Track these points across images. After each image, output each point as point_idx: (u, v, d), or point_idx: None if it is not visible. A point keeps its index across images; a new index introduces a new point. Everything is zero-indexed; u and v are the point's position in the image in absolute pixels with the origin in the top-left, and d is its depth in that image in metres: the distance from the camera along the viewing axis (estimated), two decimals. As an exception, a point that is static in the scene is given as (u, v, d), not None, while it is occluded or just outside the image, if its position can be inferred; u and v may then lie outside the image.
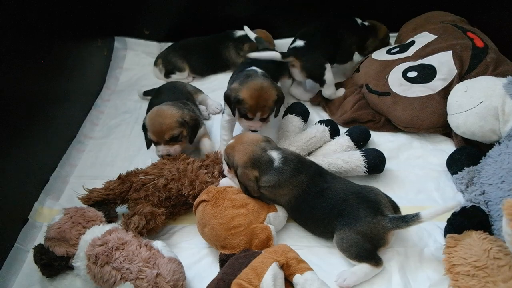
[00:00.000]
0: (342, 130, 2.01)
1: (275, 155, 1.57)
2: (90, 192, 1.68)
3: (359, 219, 1.44)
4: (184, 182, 1.67)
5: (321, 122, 1.97)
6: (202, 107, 2.29)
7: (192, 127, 1.84)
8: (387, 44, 2.42)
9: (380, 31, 2.39)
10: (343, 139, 1.88)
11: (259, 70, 1.92)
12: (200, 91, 2.35)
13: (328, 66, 2.13)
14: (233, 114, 1.85)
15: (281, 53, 2.11)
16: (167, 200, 1.67)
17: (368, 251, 1.44)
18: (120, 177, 1.71)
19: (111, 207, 1.69)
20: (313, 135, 1.89)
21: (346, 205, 1.48)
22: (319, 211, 1.53)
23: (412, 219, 1.41)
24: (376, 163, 1.76)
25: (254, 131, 1.82)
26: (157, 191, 1.64)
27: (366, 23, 2.36)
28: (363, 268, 1.44)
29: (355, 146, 1.87)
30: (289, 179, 1.55)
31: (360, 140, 1.89)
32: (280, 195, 1.59)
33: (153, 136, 1.79)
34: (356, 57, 2.45)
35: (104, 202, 1.66)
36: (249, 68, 1.92)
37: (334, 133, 1.95)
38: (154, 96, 2.15)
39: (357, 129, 1.92)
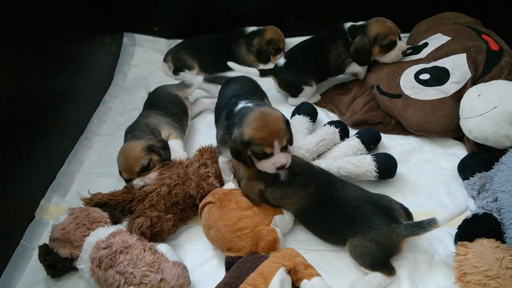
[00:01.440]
0: (352, 131, 1.98)
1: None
2: (93, 195, 1.69)
3: (373, 227, 1.42)
4: (190, 185, 1.65)
5: (330, 123, 1.93)
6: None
7: (162, 147, 1.79)
8: (386, 45, 2.08)
9: (370, 28, 2.05)
10: (353, 141, 1.85)
11: (245, 102, 1.61)
12: (187, 86, 2.25)
13: (308, 83, 2.18)
14: (250, 165, 1.54)
15: (260, 70, 2.19)
16: (174, 206, 1.65)
17: (381, 259, 1.42)
18: (126, 186, 1.72)
19: (115, 208, 1.69)
20: (323, 137, 1.85)
21: (359, 212, 1.45)
22: (330, 220, 1.50)
23: (428, 224, 1.38)
24: (387, 168, 1.72)
25: (282, 167, 1.49)
26: (162, 199, 1.63)
27: (358, 24, 2.12)
28: (377, 277, 1.41)
29: (365, 149, 1.84)
30: (296, 191, 1.53)
31: (370, 142, 1.86)
32: (286, 204, 1.58)
33: (125, 174, 1.75)
34: (356, 67, 2.22)
35: (105, 206, 1.66)
36: (237, 108, 1.59)
37: (344, 134, 1.92)
38: (145, 107, 2.12)
39: (368, 132, 1.89)
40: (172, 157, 1.79)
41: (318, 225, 1.56)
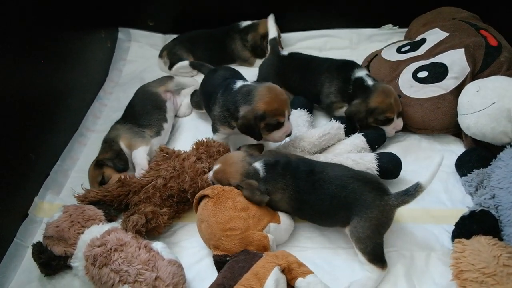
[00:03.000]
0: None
1: (258, 165, 1.55)
2: (87, 192, 1.66)
3: (367, 205, 1.40)
4: (184, 179, 1.64)
5: (337, 119, 1.91)
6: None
7: (112, 157, 1.81)
8: (381, 120, 1.88)
9: (372, 98, 1.84)
10: (359, 140, 1.83)
11: (242, 81, 1.77)
12: (168, 79, 2.26)
13: None
14: (259, 138, 1.68)
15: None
16: (169, 199, 1.64)
17: (380, 246, 1.43)
18: (120, 179, 1.69)
19: (110, 206, 1.66)
20: (327, 131, 1.82)
21: (348, 191, 1.43)
22: (320, 205, 1.48)
23: (415, 190, 1.39)
24: (389, 167, 1.70)
25: (290, 134, 1.70)
26: (158, 191, 1.62)
27: (367, 83, 1.91)
28: (373, 275, 1.41)
29: (369, 148, 1.82)
30: (275, 185, 1.52)
31: (375, 143, 1.85)
32: (276, 201, 1.56)
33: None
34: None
35: (100, 203, 1.64)
36: (236, 86, 1.73)
37: (349, 131, 1.89)
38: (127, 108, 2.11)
39: (375, 132, 1.87)
40: (136, 171, 1.81)
41: (313, 214, 1.55)
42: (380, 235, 1.42)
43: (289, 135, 1.70)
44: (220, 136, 1.85)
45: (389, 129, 1.89)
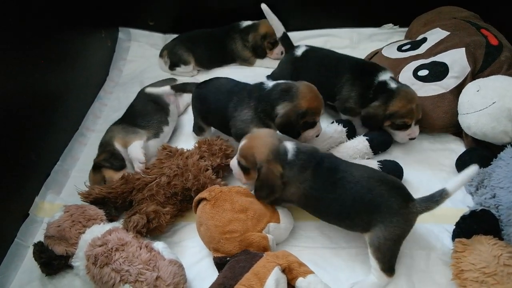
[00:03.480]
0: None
1: (289, 145, 1.47)
2: (91, 189, 1.65)
3: (393, 212, 1.33)
4: (188, 177, 1.64)
5: (338, 122, 1.90)
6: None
7: (107, 158, 1.81)
8: (398, 125, 1.80)
9: (393, 102, 1.77)
10: (362, 145, 1.81)
11: (270, 82, 1.74)
12: (172, 82, 2.21)
13: None
14: (297, 136, 1.69)
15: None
16: (173, 197, 1.64)
17: (396, 256, 1.40)
18: (123, 177, 1.69)
19: (112, 206, 1.66)
20: (329, 135, 1.82)
21: (374, 195, 1.35)
22: (338, 206, 1.41)
23: (440, 196, 1.32)
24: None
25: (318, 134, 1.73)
26: (162, 189, 1.62)
27: (390, 86, 1.80)
28: (379, 282, 1.40)
29: (372, 153, 1.82)
30: (296, 175, 1.44)
31: (379, 148, 1.83)
32: (290, 194, 1.49)
33: None
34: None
35: (104, 200, 1.63)
36: (267, 86, 1.70)
37: (351, 134, 1.89)
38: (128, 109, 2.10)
39: (380, 138, 1.84)
40: (135, 166, 1.81)
41: (330, 214, 1.47)
42: (399, 245, 1.38)
43: (317, 135, 1.73)
44: None
45: (403, 135, 1.82)
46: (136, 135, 1.88)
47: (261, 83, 1.74)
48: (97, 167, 1.80)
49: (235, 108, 1.73)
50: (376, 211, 1.35)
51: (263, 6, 1.99)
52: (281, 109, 1.63)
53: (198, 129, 1.97)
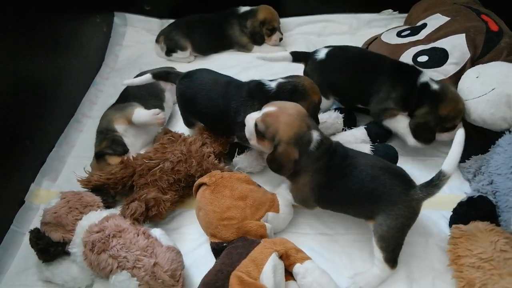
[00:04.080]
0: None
1: (315, 136, 1.40)
2: (90, 175, 1.64)
3: (394, 200, 1.32)
4: (191, 163, 1.63)
5: (336, 109, 1.89)
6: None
7: (109, 145, 1.78)
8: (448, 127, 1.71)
9: (442, 106, 1.66)
10: (360, 132, 1.81)
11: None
12: (168, 69, 2.18)
13: (327, 97, 1.90)
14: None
15: (293, 54, 1.93)
16: (176, 183, 1.63)
17: (400, 247, 1.38)
18: (122, 161, 1.67)
19: (111, 192, 1.64)
20: (324, 119, 1.80)
21: (378, 183, 1.34)
22: (346, 192, 1.39)
23: (439, 179, 1.30)
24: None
25: None
26: (165, 174, 1.60)
27: (433, 87, 1.70)
28: (382, 273, 1.39)
29: (370, 142, 1.80)
30: (310, 164, 1.40)
31: (377, 137, 1.81)
32: (302, 185, 1.45)
33: None
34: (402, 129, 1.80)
35: (104, 187, 1.62)
36: (275, 85, 1.63)
37: (350, 123, 1.87)
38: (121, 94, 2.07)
39: (379, 128, 1.82)
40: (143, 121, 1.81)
41: (337, 201, 1.45)
42: (404, 235, 1.36)
43: None
44: None
45: (450, 135, 1.68)
46: (132, 106, 1.87)
47: (260, 83, 1.66)
48: (100, 156, 1.76)
49: (237, 111, 1.65)
50: (379, 199, 1.34)
51: (258, 56, 1.98)
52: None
53: (188, 123, 1.93)
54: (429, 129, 1.68)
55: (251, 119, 1.50)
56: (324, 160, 1.40)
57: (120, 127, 1.84)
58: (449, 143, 1.76)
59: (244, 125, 1.56)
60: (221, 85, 1.72)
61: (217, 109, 1.69)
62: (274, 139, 1.41)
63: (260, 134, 1.47)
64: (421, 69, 1.74)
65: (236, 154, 1.75)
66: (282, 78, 1.67)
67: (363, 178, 1.36)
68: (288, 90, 1.60)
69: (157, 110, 1.82)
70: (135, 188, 1.63)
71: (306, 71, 1.91)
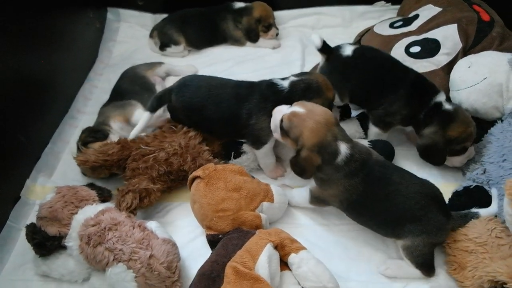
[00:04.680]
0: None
1: (343, 149, 1.35)
2: (88, 155, 1.64)
3: (437, 226, 1.34)
4: (186, 158, 1.63)
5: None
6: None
7: (88, 134, 1.79)
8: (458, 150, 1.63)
9: (451, 126, 1.59)
10: (352, 122, 1.81)
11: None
12: (157, 64, 2.21)
13: (344, 100, 1.79)
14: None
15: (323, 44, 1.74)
16: (166, 175, 1.63)
17: (432, 259, 1.40)
18: (119, 142, 1.67)
19: (106, 172, 1.68)
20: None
21: (420, 209, 1.33)
22: (385, 215, 1.38)
23: (472, 217, 1.41)
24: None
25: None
26: (157, 164, 1.61)
27: (447, 108, 1.62)
28: (415, 272, 1.39)
29: (363, 133, 1.82)
30: (341, 179, 1.37)
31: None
32: (329, 195, 1.44)
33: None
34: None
35: (100, 167, 1.64)
36: (288, 84, 1.61)
37: (344, 114, 1.87)
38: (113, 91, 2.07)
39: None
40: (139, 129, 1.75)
41: (370, 221, 1.44)
42: (433, 250, 1.39)
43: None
44: (268, 147, 1.68)
45: (461, 159, 1.66)
46: (133, 106, 1.87)
47: (272, 84, 1.62)
48: (84, 145, 1.77)
49: (250, 114, 1.62)
50: (421, 224, 1.34)
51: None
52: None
53: None
54: (438, 151, 1.61)
55: (279, 112, 1.47)
56: (358, 179, 1.36)
57: (116, 125, 1.84)
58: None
59: (256, 128, 1.59)
60: (231, 87, 1.68)
61: (228, 112, 1.64)
62: (298, 141, 1.40)
63: (284, 131, 1.45)
64: (439, 89, 1.66)
65: (232, 157, 1.74)
66: (294, 75, 1.64)
67: (408, 205, 1.34)
68: (301, 89, 1.57)
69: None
70: (126, 170, 1.64)
71: (323, 67, 1.78)
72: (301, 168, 1.42)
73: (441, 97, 1.63)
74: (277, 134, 1.51)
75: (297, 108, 1.42)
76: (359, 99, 1.78)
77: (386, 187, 1.36)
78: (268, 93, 1.61)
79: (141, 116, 1.77)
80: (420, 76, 1.69)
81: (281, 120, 1.44)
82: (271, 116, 1.53)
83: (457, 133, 1.57)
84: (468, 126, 1.58)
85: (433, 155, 1.66)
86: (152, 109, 1.74)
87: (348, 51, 1.72)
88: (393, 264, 1.43)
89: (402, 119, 1.68)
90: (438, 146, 1.59)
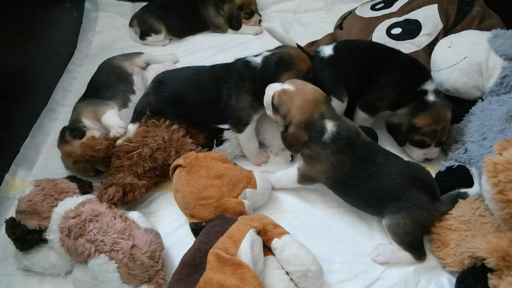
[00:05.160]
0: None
1: (329, 127, 1.40)
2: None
3: (420, 206, 1.36)
4: (170, 152, 1.61)
5: None
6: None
7: (66, 134, 1.75)
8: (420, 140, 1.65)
9: (419, 116, 1.61)
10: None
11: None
12: (135, 55, 2.17)
13: (340, 98, 1.72)
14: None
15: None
16: (151, 171, 1.61)
17: (419, 240, 1.39)
18: (107, 138, 1.65)
19: (89, 167, 1.67)
20: None
21: (404, 191, 1.36)
22: (369, 195, 1.41)
23: (462, 198, 1.42)
24: None
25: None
26: (141, 160, 1.59)
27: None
28: (406, 256, 1.39)
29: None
30: (329, 156, 1.40)
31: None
32: (317, 171, 1.46)
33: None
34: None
35: (84, 162, 1.63)
36: (261, 60, 1.61)
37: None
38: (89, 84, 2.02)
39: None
40: (112, 132, 1.74)
41: (355, 199, 1.47)
42: (420, 232, 1.39)
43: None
44: (250, 128, 1.68)
45: (419, 153, 1.69)
46: (107, 105, 1.83)
47: (246, 61, 1.63)
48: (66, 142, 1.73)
49: (230, 94, 1.63)
50: (403, 203, 1.36)
51: (265, 26, 1.80)
52: (287, 80, 1.53)
53: None
54: (399, 132, 1.63)
55: (271, 89, 1.50)
56: (345, 157, 1.40)
57: (87, 121, 1.81)
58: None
59: (236, 108, 1.61)
60: (207, 72, 1.69)
61: (209, 96, 1.65)
62: (286, 118, 1.43)
63: (275, 108, 1.48)
64: (429, 76, 1.67)
65: (215, 145, 1.73)
66: (268, 50, 1.65)
67: (392, 187, 1.37)
68: (274, 62, 1.58)
69: (123, 124, 1.74)
70: (110, 168, 1.62)
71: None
72: (289, 143, 1.46)
73: (428, 86, 1.63)
74: (269, 111, 1.53)
75: (288, 85, 1.45)
76: (356, 92, 1.74)
77: (371, 167, 1.40)
78: (244, 72, 1.61)
79: (108, 118, 1.76)
80: (414, 60, 1.69)
81: (273, 97, 1.47)
82: (250, 95, 1.57)
83: (421, 124, 1.58)
84: (435, 123, 1.58)
85: (395, 135, 1.69)
86: (134, 120, 1.72)
87: (326, 52, 1.72)
88: (384, 250, 1.42)
89: (390, 103, 1.68)
90: (401, 128, 1.62)
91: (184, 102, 1.69)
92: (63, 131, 1.78)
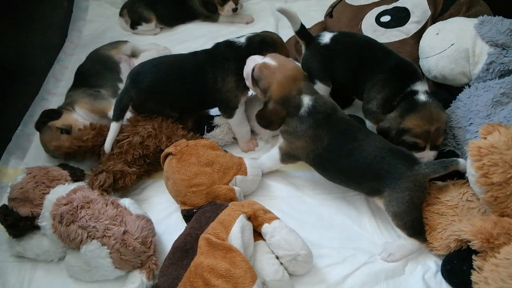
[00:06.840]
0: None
1: (306, 101, 1.43)
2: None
3: (399, 176, 1.35)
4: (161, 138, 1.62)
5: None
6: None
7: (43, 116, 1.75)
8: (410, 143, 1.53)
9: (409, 117, 1.52)
10: None
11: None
12: (122, 43, 2.16)
13: (326, 83, 1.73)
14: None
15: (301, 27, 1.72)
16: (142, 159, 1.62)
17: (419, 220, 1.39)
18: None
19: (80, 158, 1.68)
20: None
21: (383, 163, 1.37)
22: (351, 171, 1.42)
23: (451, 164, 1.36)
24: None
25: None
26: (132, 148, 1.60)
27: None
28: (411, 244, 1.39)
29: None
30: (307, 130, 1.43)
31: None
32: (296, 147, 1.48)
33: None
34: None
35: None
36: (244, 39, 1.68)
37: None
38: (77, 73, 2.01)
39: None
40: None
41: (337, 175, 1.48)
42: (416, 208, 1.38)
43: None
44: (241, 111, 1.71)
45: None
46: (107, 102, 1.84)
47: (229, 42, 1.67)
48: (41, 125, 1.73)
49: (215, 79, 1.63)
50: (384, 178, 1.37)
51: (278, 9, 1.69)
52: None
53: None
54: (390, 137, 1.54)
55: (253, 61, 1.53)
56: (322, 131, 1.43)
57: (80, 111, 1.81)
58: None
59: (224, 91, 1.63)
60: (189, 58, 1.71)
61: (194, 82, 1.65)
62: (266, 93, 1.47)
63: (254, 80, 1.51)
64: (420, 78, 1.59)
65: (205, 131, 1.75)
66: (250, 33, 1.70)
67: (371, 159, 1.38)
68: (258, 41, 1.65)
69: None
70: (101, 157, 1.63)
71: (306, 54, 1.73)
72: (268, 120, 1.48)
73: (419, 87, 1.55)
74: (248, 82, 1.56)
75: (270, 60, 1.48)
76: (346, 86, 1.75)
77: (350, 143, 1.42)
78: (228, 53, 1.65)
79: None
80: (401, 60, 1.62)
81: (253, 69, 1.49)
82: (236, 76, 1.60)
83: (411, 125, 1.49)
84: (427, 124, 1.49)
85: (388, 138, 1.57)
86: (118, 118, 1.66)
87: (325, 39, 1.70)
88: (393, 248, 1.40)
89: (378, 105, 1.61)
90: (390, 132, 1.54)
91: (168, 91, 1.68)
92: (43, 115, 1.75)
